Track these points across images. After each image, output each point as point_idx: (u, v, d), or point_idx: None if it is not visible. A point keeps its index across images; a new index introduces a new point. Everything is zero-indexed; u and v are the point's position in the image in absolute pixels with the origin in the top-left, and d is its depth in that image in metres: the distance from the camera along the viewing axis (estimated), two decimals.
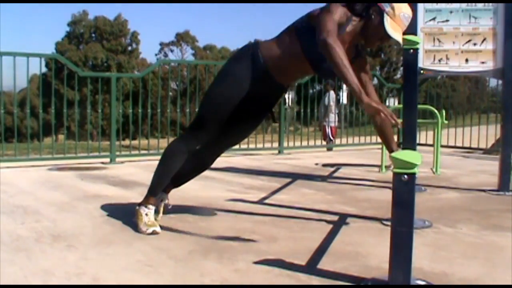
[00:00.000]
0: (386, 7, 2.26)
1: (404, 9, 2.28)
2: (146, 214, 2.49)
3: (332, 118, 9.26)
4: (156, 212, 2.58)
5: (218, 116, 2.45)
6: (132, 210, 2.59)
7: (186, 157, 2.51)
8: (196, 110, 6.72)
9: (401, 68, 17.59)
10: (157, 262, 2.00)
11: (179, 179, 2.68)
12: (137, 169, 4.91)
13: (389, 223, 1.91)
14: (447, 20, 3.72)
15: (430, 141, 5.93)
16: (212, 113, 2.46)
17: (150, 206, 2.53)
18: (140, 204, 2.54)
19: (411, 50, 2.90)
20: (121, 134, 6.12)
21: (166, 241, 2.31)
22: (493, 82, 7.80)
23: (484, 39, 3.67)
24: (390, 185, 1.70)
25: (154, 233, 2.41)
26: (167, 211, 2.69)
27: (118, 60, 40.06)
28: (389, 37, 2.25)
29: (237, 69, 2.42)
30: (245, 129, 2.65)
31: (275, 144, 6.86)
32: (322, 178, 4.40)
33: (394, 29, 2.25)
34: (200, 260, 2.03)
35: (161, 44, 45.81)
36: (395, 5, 2.26)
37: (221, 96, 2.41)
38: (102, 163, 5.39)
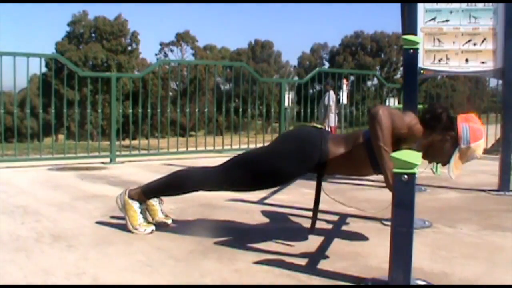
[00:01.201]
0: (464, 143, 2.12)
1: (477, 151, 2.14)
2: (141, 212, 2.45)
3: (332, 118, 9.27)
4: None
5: (253, 189, 2.41)
6: None
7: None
8: (196, 110, 6.75)
9: (401, 68, 17.59)
10: (157, 262, 2.00)
11: None
12: (137, 169, 4.91)
13: (389, 223, 1.91)
14: (447, 20, 3.72)
15: None
16: (251, 186, 2.36)
17: (144, 204, 2.49)
18: (132, 198, 2.46)
19: (411, 50, 2.91)
20: (121, 134, 6.13)
21: (166, 241, 2.31)
22: (493, 82, 7.79)
23: (484, 39, 3.67)
24: None
25: (152, 232, 2.41)
26: (166, 212, 2.69)
27: (118, 60, 40.05)
28: (444, 165, 2.16)
29: (299, 156, 2.22)
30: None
31: None
32: (322, 178, 4.39)
33: (456, 167, 2.14)
34: (200, 260, 2.03)
35: (161, 44, 45.82)
36: (473, 147, 2.12)
37: (267, 181, 2.29)
38: (102, 163, 5.39)
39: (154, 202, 2.56)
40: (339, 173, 2.41)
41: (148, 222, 2.49)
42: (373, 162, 2.14)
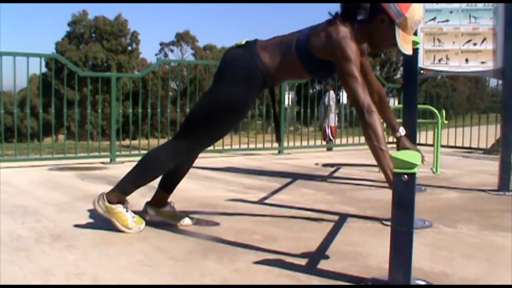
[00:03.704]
0: (398, 17, 2.07)
1: (416, 16, 2.10)
2: (126, 210, 2.42)
3: (332, 118, 9.27)
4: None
5: (220, 135, 2.50)
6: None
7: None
8: None
9: (401, 68, 17.60)
10: (157, 262, 2.00)
11: (172, 186, 2.61)
12: None
13: (389, 223, 1.91)
14: (447, 20, 3.72)
15: (430, 141, 5.93)
16: (216, 133, 2.44)
17: (128, 205, 2.45)
18: (112, 203, 2.39)
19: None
20: (121, 134, 6.12)
21: (166, 241, 2.31)
22: (493, 82, 7.81)
23: (484, 39, 3.67)
24: None
25: (142, 227, 2.44)
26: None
27: (118, 60, 40.06)
28: (394, 46, 2.12)
29: (242, 86, 2.31)
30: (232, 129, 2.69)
31: (275, 144, 6.86)
32: (322, 178, 4.40)
33: (405, 42, 2.10)
34: (200, 260, 2.03)
35: (161, 44, 45.84)
36: (409, 15, 2.06)
37: (227, 118, 2.35)
38: (102, 163, 5.39)
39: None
40: (285, 80, 2.55)
41: (140, 217, 2.47)
42: (307, 68, 2.27)
